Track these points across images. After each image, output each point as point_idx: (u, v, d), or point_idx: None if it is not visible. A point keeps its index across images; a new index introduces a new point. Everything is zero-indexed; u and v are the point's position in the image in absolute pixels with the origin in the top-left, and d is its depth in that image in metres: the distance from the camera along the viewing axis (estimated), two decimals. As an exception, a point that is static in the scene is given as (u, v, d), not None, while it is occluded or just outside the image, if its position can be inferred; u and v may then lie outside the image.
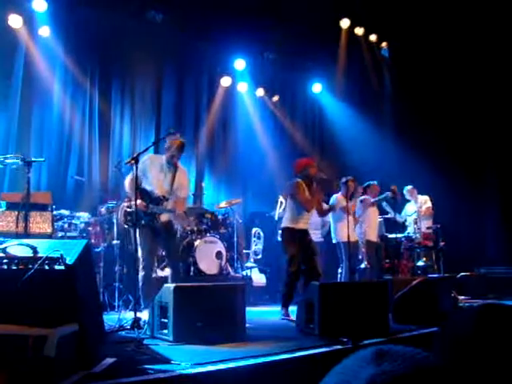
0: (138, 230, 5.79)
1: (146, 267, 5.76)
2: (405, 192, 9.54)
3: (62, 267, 3.24)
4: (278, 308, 7.99)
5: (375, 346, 0.84)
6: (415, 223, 9.15)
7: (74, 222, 7.21)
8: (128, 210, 5.89)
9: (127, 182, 6.00)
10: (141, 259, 5.77)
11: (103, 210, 7.62)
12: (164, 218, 5.96)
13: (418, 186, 9.76)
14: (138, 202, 5.67)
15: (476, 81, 10.89)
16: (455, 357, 1.11)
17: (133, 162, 5.21)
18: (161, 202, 5.90)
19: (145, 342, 4.48)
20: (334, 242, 8.18)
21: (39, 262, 3.26)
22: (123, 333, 4.93)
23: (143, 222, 5.73)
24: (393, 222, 9.39)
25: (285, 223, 6.69)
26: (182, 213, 6.03)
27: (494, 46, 10.39)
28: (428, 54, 10.90)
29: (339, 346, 4.34)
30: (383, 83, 12.37)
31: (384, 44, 12.16)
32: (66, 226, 7.09)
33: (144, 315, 5.25)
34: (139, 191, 5.75)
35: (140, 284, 5.75)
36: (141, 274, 5.74)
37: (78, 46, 8.71)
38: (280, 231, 6.91)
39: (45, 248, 3.39)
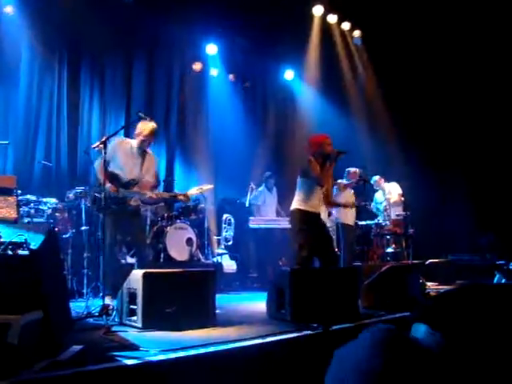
0: (105, 216, 5.75)
1: (111, 253, 5.71)
2: (372, 182, 9.61)
3: (26, 252, 3.15)
4: (248, 294, 8.03)
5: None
6: (385, 210, 9.23)
7: (40, 207, 7.03)
8: (97, 195, 5.83)
9: (97, 166, 5.92)
10: (107, 245, 5.71)
11: (71, 195, 7.45)
12: (133, 202, 5.93)
13: (388, 174, 9.84)
14: (109, 185, 5.63)
15: (448, 70, 10.97)
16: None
17: (101, 146, 5.12)
18: (131, 185, 5.88)
19: (113, 329, 4.43)
20: None
21: (2, 246, 3.17)
22: (91, 320, 4.85)
23: (114, 206, 5.66)
24: (363, 209, 9.45)
25: (294, 205, 6.16)
26: (152, 195, 6.07)
27: (467, 35, 10.46)
28: (400, 43, 10.94)
29: (310, 332, 4.36)
30: (355, 71, 12.38)
31: (356, 32, 12.16)
32: (32, 211, 6.91)
33: (108, 302, 5.17)
34: (109, 175, 5.70)
35: (103, 270, 5.71)
36: (106, 259, 5.70)
37: (45, 26, 8.44)
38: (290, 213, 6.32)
39: (8, 233, 3.29)
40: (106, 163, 5.47)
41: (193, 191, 8.69)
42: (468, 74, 10.80)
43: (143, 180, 6.03)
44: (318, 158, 6.11)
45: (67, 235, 7.12)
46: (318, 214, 6.17)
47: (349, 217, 8.71)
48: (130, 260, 7.51)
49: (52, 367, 3.01)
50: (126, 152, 5.91)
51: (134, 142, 5.99)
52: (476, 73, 10.69)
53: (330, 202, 6.66)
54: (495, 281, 7.50)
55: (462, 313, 1.13)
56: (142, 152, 6.02)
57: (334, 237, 8.51)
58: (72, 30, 8.78)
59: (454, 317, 1.13)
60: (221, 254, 8.81)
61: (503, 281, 7.24)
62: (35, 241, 3.22)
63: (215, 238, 9.36)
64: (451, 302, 1.18)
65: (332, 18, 11.70)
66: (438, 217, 11.13)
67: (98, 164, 5.88)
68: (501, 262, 7.91)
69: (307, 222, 6.02)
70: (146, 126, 5.94)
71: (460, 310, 1.14)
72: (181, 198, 6.50)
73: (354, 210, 8.79)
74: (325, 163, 6.13)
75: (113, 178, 5.78)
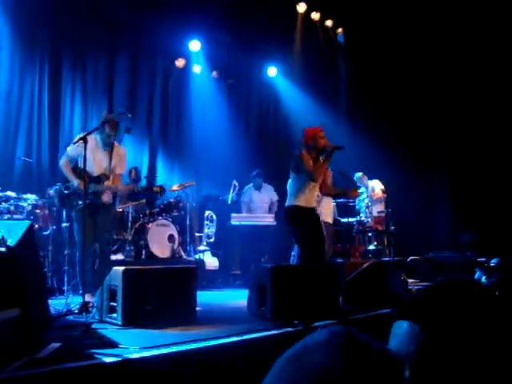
0: (75, 214, 5.69)
1: (85, 251, 5.61)
2: (355, 179, 9.63)
3: (3, 249, 3.12)
4: (230, 291, 8.02)
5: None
6: (367, 207, 9.27)
7: (20, 204, 6.94)
8: (66, 192, 5.76)
9: (63, 164, 5.89)
10: (79, 244, 5.66)
11: (52, 192, 7.37)
12: (105, 198, 5.89)
13: (370, 171, 9.88)
14: (77, 181, 5.59)
15: (432, 69, 11.05)
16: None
17: (81, 142, 5.08)
18: (101, 180, 5.84)
19: (93, 326, 4.40)
20: None
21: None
22: (71, 317, 4.82)
23: (87, 201, 5.49)
24: (345, 206, 9.49)
25: (288, 201, 6.02)
26: (114, 186, 6.02)
27: (446, 35, 10.56)
28: (382, 41, 11.00)
29: (290, 329, 4.36)
30: (338, 69, 12.42)
31: (340, 30, 12.19)
32: (12, 208, 6.83)
33: (88, 299, 5.13)
34: (78, 172, 5.67)
35: (78, 268, 5.66)
36: (80, 258, 5.65)
37: (25, 21, 8.35)
38: (286, 210, 6.16)
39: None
40: (72, 160, 5.63)
41: (174, 187, 8.70)
42: (452, 73, 10.89)
43: (114, 173, 5.99)
44: (311, 151, 5.93)
45: (47, 232, 7.06)
46: (313, 209, 6.05)
47: (328, 215, 8.69)
48: (113, 257, 7.47)
49: (30, 365, 2.98)
50: (91, 146, 5.75)
51: (98, 136, 5.90)
52: (460, 72, 10.78)
53: (330, 191, 6.69)
54: (475, 278, 7.57)
55: (440, 309, 1.15)
56: (109, 147, 5.96)
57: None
58: (53, 25, 8.70)
59: (432, 312, 1.15)
60: (203, 251, 8.79)
61: (483, 278, 7.29)
62: (12, 237, 3.19)
63: (197, 234, 9.34)
64: (429, 298, 1.20)
65: (315, 16, 11.71)
66: (420, 214, 11.22)
67: (62, 162, 5.89)
68: (481, 259, 7.97)
69: (302, 217, 5.90)
70: (107, 121, 5.86)
71: (438, 306, 1.16)
72: (156, 189, 6.38)
73: (332, 207, 8.80)
74: (318, 157, 5.95)
75: (81, 174, 5.66)
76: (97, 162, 5.84)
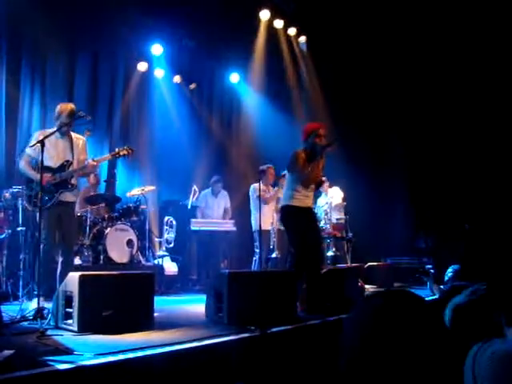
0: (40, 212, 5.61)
1: (47, 250, 5.55)
2: None
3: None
4: (189, 297, 8.02)
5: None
6: (326, 214, 9.38)
7: (-25, 207, 6.81)
8: (30, 193, 5.70)
9: (24, 164, 5.83)
10: (43, 242, 5.51)
11: (7, 194, 7.22)
12: (70, 198, 5.83)
13: (330, 179, 10.01)
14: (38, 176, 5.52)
15: (389, 76, 11.28)
16: (360, 339, 1.23)
17: (38, 144, 5.02)
18: (65, 167, 5.81)
19: (48, 332, 4.33)
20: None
21: None
22: (26, 324, 4.73)
23: (56, 195, 5.58)
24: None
25: (283, 201, 5.87)
26: (93, 162, 5.89)
27: (405, 43, 10.80)
28: (345, 49, 11.17)
29: (247, 334, 4.39)
30: (300, 76, 12.55)
31: (302, 38, 12.33)
32: (-35, 211, 6.70)
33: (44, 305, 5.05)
34: (39, 169, 5.59)
35: (39, 271, 5.54)
36: (43, 259, 5.53)
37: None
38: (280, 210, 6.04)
39: None
40: (32, 160, 5.67)
41: (134, 192, 8.64)
42: (410, 80, 11.13)
43: (78, 160, 5.93)
44: (307, 149, 5.70)
45: (3, 236, 6.92)
46: (308, 209, 5.89)
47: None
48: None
49: (-20, 373, 2.93)
50: (50, 141, 5.66)
51: (54, 129, 5.80)
52: (418, 80, 11.03)
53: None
54: (428, 285, 7.75)
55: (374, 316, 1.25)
56: (67, 136, 5.92)
57: (274, 239, 8.61)
58: (11, 27, 8.54)
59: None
60: (162, 256, 8.76)
61: (428, 284, 7.46)
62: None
63: (157, 239, 9.30)
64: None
65: (278, 24, 11.82)
66: (378, 221, 11.42)
67: (23, 162, 5.84)
68: (428, 266, 8.17)
69: (295, 218, 5.74)
70: (64, 108, 5.84)
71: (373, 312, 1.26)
72: (123, 152, 6.20)
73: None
74: (314, 156, 5.69)
75: (45, 170, 5.52)
76: (57, 152, 5.79)
